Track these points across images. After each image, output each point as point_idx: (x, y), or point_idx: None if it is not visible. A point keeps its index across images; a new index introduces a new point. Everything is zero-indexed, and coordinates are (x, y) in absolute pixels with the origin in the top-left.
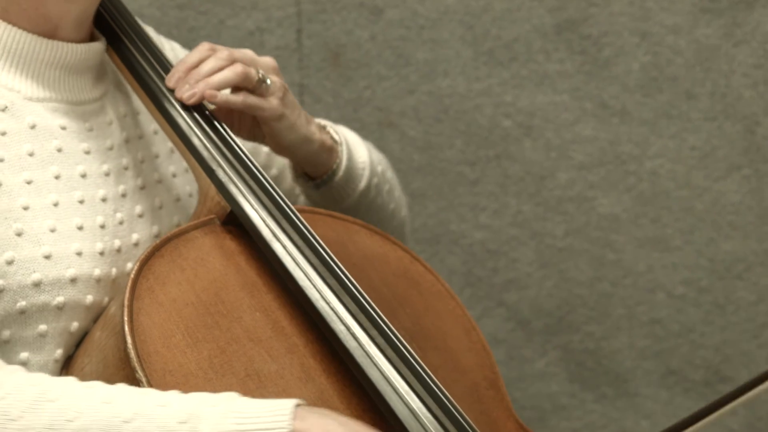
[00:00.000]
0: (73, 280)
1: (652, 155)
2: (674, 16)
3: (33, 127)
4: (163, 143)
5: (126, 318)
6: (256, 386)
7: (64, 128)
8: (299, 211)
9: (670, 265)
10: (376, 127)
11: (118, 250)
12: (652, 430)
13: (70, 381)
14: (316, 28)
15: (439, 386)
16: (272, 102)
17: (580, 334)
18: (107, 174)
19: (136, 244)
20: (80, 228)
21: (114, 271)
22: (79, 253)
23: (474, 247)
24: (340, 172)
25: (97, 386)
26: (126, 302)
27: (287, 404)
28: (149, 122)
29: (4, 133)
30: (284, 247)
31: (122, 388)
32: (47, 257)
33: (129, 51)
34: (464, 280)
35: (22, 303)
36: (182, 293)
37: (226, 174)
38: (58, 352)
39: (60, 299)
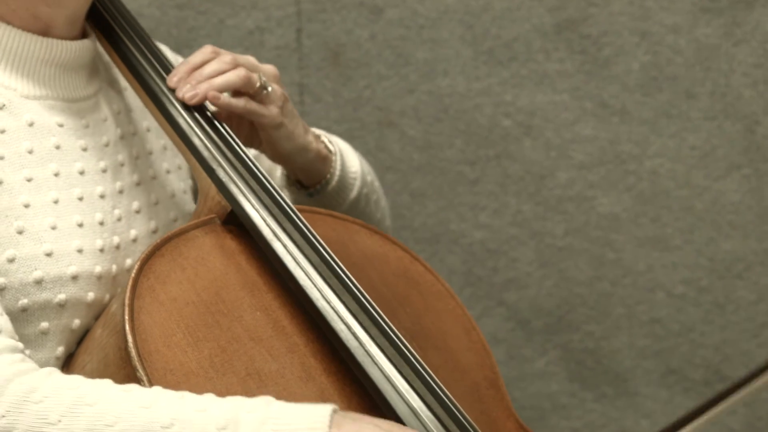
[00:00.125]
0: (75, 278)
1: (651, 155)
2: (674, 15)
3: (31, 124)
4: (156, 140)
5: (127, 317)
6: (256, 385)
7: (61, 125)
8: (299, 210)
9: (670, 265)
10: (376, 126)
11: (117, 247)
12: (652, 430)
13: (106, 384)
14: (315, 27)
15: (439, 385)
16: (272, 110)
17: (580, 333)
18: (104, 171)
19: (134, 240)
20: (80, 225)
21: (114, 267)
22: (79, 251)
23: (474, 247)
24: (334, 182)
25: (135, 390)
26: (127, 301)
27: (324, 410)
28: (142, 119)
29: (3, 131)
30: (285, 246)
31: (159, 391)
32: (48, 255)
33: (129, 51)
34: (464, 279)
35: (23, 301)
36: (183, 292)
37: (226, 173)
38: (60, 350)
39: (62, 296)
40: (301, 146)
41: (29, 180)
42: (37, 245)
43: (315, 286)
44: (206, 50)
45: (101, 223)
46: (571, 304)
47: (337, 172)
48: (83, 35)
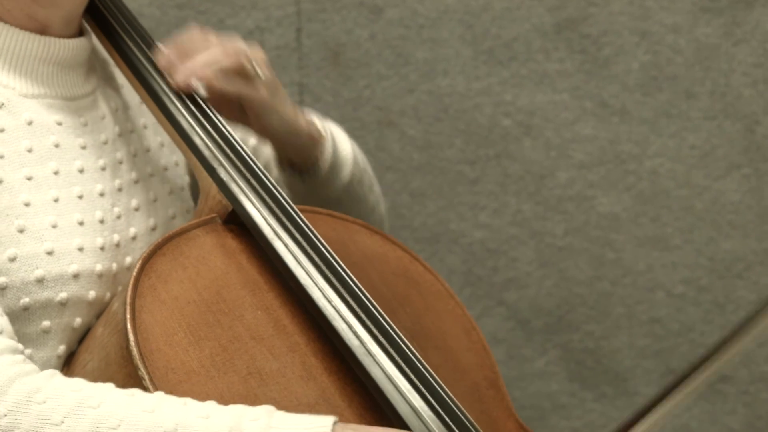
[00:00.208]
0: (76, 276)
1: (651, 154)
2: (674, 15)
3: (30, 123)
4: (153, 137)
5: (128, 316)
6: (257, 384)
7: (60, 124)
8: (300, 210)
9: (670, 264)
10: (376, 126)
11: (117, 245)
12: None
13: (110, 387)
14: (315, 27)
15: (440, 385)
16: (262, 91)
17: (580, 333)
18: (103, 168)
19: (134, 238)
20: (81, 223)
21: (114, 266)
22: (80, 249)
23: (474, 247)
24: (326, 163)
25: (138, 394)
26: (128, 300)
27: (326, 421)
28: (139, 116)
29: (2, 130)
30: (286, 245)
31: (162, 396)
32: (49, 253)
33: (130, 49)
34: (464, 279)
35: (25, 300)
36: (184, 291)
37: (227, 173)
38: (61, 349)
39: (63, 295)
40: (290, 125)
41: (29, 179)
42: (38, 244)
43: (316, 285)
44: (194, 32)
45: (101, 222)
46: (571, 303)
47: (329, 154)
48: (80, 33)
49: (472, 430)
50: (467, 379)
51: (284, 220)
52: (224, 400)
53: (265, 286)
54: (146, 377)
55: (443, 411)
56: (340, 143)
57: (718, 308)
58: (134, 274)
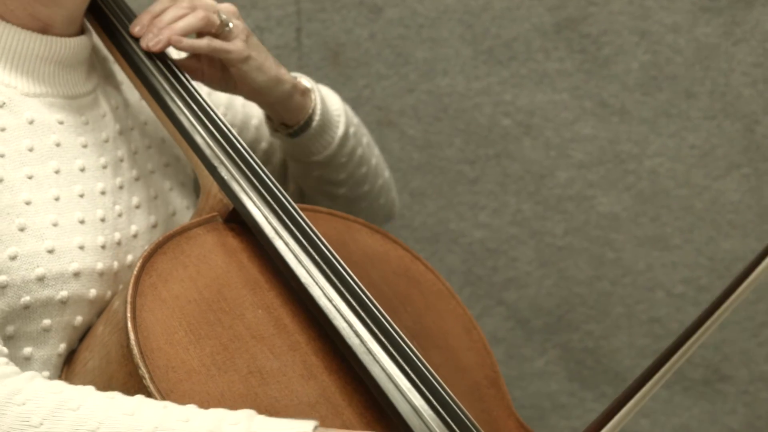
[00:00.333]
0: (77, 274)
1: (651, 154)
2: (673, 14)
3: (31, 122)
4: (154, 133)
5: (129, 314)
6: (258, 383)
7: (61, 123)
8: (301, 209)
9: (670, 264)
10: (376, 126)
11: (118, 243)
12: (652, 429)
13: (90, 390)
14: (315, 26)
15: (441, 384)
16: (237, 44)
17: (580, 332)
18: (105, 167)
19: (135, 236)
20: (82, 222)
21: (115, 264)
22: (81, 247)
23: (473, 246)
24: (316, 116)
25: (118, 397)
26: (129, 299)
27: (307, 426)
28: (139, 113)
29: (3, 129)
30: (286, 244)
31: (142, 400)
32: (50, 252)
33: (131, 48)
34: (464, 278)
35: (26, 298)
36: (185, 290)
37: (228, 171)
38: (62, 347)
39: (64, 293)
40: (274, 78)
41: (30, 177)
42: (39, 242)
43: (317, 284)
44: None
45: (102, 220)
46: (570, 303)
47: (318, 106)
48: (81, 31)
49: (473, 429)
50: (468, 378)
51: (285, 218)
52: (225, 399)
53: (266, 285)
54: (147, 376)
55: (443, 410)
56: (328, 98)
57: None
58: (135, 272)
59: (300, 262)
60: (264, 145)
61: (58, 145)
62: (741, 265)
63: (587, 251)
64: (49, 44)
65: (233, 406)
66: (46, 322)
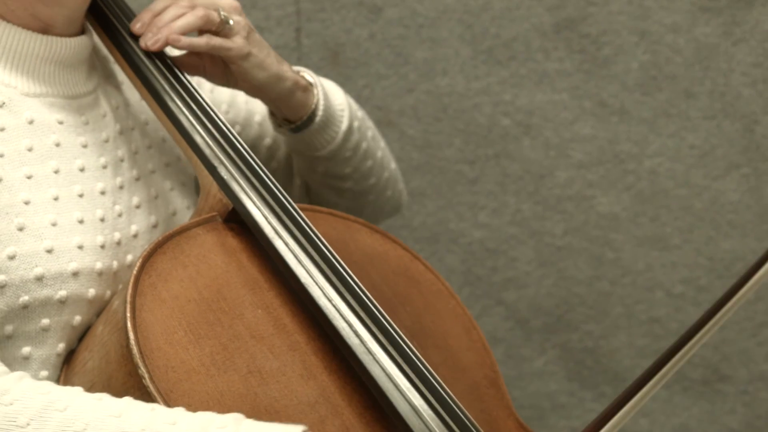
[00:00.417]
0: (75, 274)
1: (651, 154)
2: (673, 14)
3: (31, 122)
4: (155, 133)
5: (128, 314)
6: (258, 383)
7: (61, 123)
8: (301, 209)
9: (669, 264)
10: (376, 126)
11: (118, 243)
12: (651, 429)
13: (77, 391)
14: (315, 26)
15: (441, 383)
16: (237, 41)
17: (579, 332)
18: (105, 167)
19: (135, 236)
20: (81, 222)
21: (115, 264)
22: (80, 247)
23: (473, 246)
24: (320, 111)
25: (106, 398)
26: (128, 298)
27: (295, 430)
28: (140, 113)
29: (2, 129)
30: (286, 244)
31: (130, 402)
32: (49, 251)
33: (131, 47)
34: (463, 278)
35: (24, 297)
36: (184, 290)
37: (228, 171)
38: (61, 347)
39: (62, 293)
40: (275, 74)
41: (29, 177)
42: (38, 242)
43: (316, 284)
44: None
45: (102, 220)
46: (570, 303)
47: (321, 101)
48: (81, 31)
49: (472, 428)
50: (467, 378)
51: (285, 218)
52: (224, 399)
53: (266, 285)
54: (146, 375)
55: (443, 410)
56: (331, 92)
57: None
58: (134, 272)
59: (299, 261)
60: (268, 140)
61: (57, 145)
62: (741, 264)
63: (587, 251)
64: (50, 44)
65: (232, 405)
66: (45, 321)
